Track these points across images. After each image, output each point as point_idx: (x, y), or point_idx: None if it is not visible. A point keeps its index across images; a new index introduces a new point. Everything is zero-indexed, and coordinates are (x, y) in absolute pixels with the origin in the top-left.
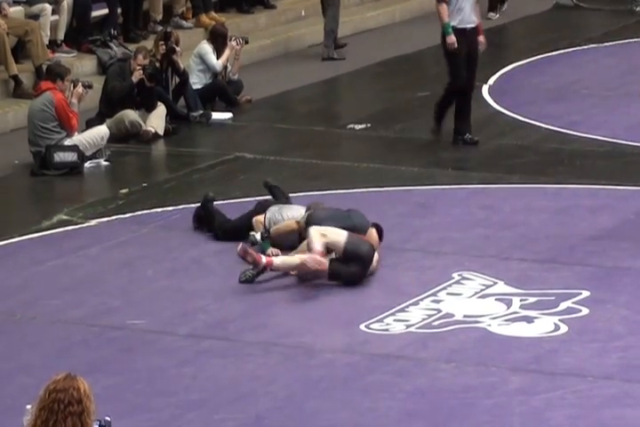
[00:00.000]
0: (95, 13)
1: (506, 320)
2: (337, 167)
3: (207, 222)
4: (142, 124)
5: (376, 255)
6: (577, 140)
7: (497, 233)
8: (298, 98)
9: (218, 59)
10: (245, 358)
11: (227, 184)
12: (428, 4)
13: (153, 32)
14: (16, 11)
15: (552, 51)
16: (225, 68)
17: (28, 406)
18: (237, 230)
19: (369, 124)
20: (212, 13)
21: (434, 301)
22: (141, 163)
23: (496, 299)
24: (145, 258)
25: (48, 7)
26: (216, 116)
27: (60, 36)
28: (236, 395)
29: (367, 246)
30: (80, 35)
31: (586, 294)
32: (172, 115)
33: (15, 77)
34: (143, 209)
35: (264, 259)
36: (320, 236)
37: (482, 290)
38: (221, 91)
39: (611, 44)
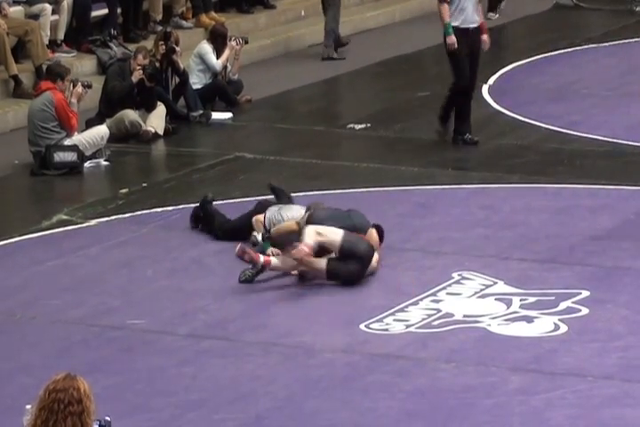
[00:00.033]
0: (95, 13)
1: (506, 320)
2: (337, 167)
3: (206, 223)
4: (142, 124)
5: (376, 255)
6: (577, 140)
7: (497, 233)
8: (298, 98)
9: (218, 59)
10: (245, 358)
11: (226, 184)
12: (427, 4)
13: (153, 32)
14: (16, 11)
15: (552, 51)
16: (225, 67)
17: (28, 406)
18: (237, 230)
19: (369, 124)
20: (212, 13)
21: (434, 300)
22: (141, 163)
23: (496, 299)
24: (145, 258)
25: (48, 7)
26: (216, 115)
27: (60, 35)
28: (236, 395)
29: (364, 244)
30: (80, 35)
31: (586, 293)
32: (171, 115)
33: (15, 77)
34: (143, 209)
35: (262, 258)
36: (315, 234)
37: (482, 290)
38: (221, 91)
39: (610, 43)
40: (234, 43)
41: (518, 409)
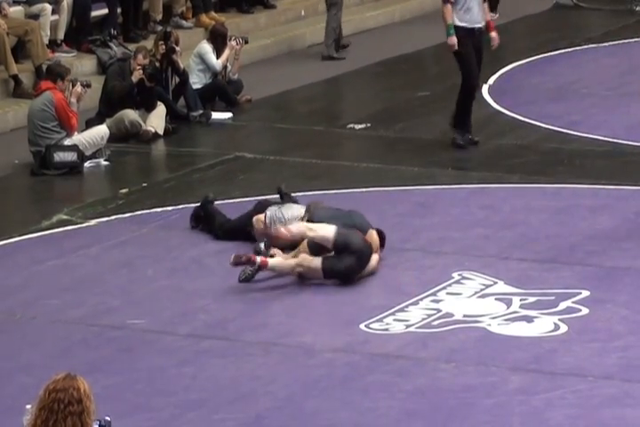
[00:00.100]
0: (95, 13)
1: (506, 320)
2: (337, 167)
3: (207, 223)
4: (142, 123)
5: (376, 256)
6: (577, 139)
7: (497, 233)
8: (298, 98)
9: (218, 58)
10: (245, 358)
11: (226, 184)
12: (427, 4)
13: (153, 32)
14: (16, 10)
15: (552, 50)
16: (225, 67)
17: (28, 406)
18: (237, 230)
19: (369, 124)
20: (212, 13)
21: (434, 300)
22: (141, 163)
23: (496, 298)
24: (145, 258)
25: (48, 7)
26: (216, 115)
27: (60, 35)
28: (236, 395)
29: (359, 238)
30: (80, 34)
31: (586, 293)
32: (171, 114)
33: (15, 77)
34: (143, 209)
35: (259, 259)
36: (306, 228)
37: (482, 290)
38: (221, 90)
39: (610, 43)
40: (234, 42)
41: (518, 409)
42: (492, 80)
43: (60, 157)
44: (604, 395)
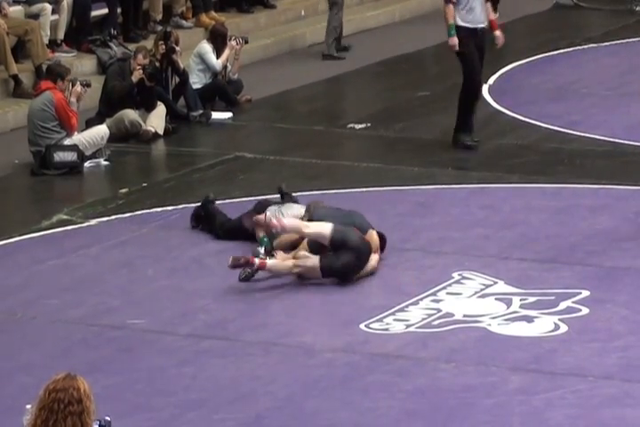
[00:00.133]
0: (95, 13)
1: (506, 320)
2: (337, 167)
3: (207, 223)
4: (142, 123)
5: (375, 256)
6: (577, 139)
7: (497, 233)
8: (298, 97)
9: (218, 58)
10: (245, 358)
11: (227, 184)
12: (428, 4)
13: (153, 32)
14: (16, 10)
15: (552, 50)
16: (225, 67)
17: (28, 406)
18: (238, 230)
19: (369, 124)
20: (212, 13)
21: (434, 300)
22: (141, 162)
23: (496, 298)
24: (145, 258)
25: (48, 7)
26: (216, 115)
27: (60, 35)
28: (236, 395)
29: (356, 236)
30: (80, 34)
31: (586, 293)
32: (171, 114)
33: (15, 77)
34: (143, 209)
35: (257, 260)
36: (303, 226)
37: (482, 289)
38: (221, 90)
39: (610, 43)
40: (234, 42)
41: (518, 409)
42: (492, 80)
43: (60, 156)
44: (604, 395)
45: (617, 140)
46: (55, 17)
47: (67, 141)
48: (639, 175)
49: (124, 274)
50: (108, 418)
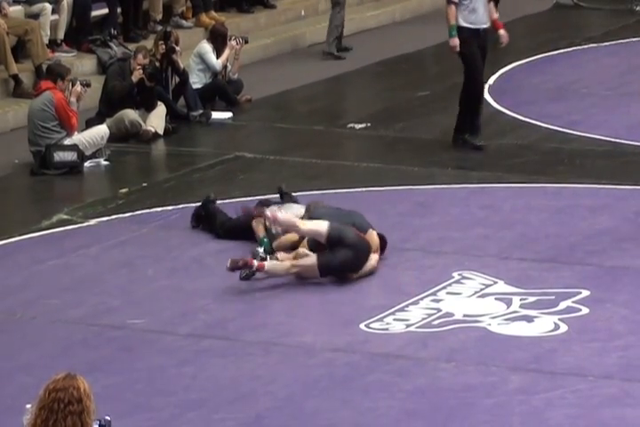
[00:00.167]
0: (95, 13)
1: (506, 320)
2: (337, 167)
3: (208, 222)
4: (142, 123)
5: (375, 256)
6: (577, 139)
7: (497, 232)
8: (298, 97)
9: (218, 58)
10: (245, 358)
11: (227, 184)
12: (428, 4)
13: (153, 32)
14: (16, 10)
15: (552, 50)
16: (225, 67)
17: (28, 406)
18: (238, 229)
19: (369, 124)
20: (212, 13)
21: (434, 300)
22: (141, 162)
23: (496, 298)
24: (145, 257)
25: (48, 7)
26: (216, 115)
27: (60, 35)
28: (236, 394)
29: (353, 234)
30: (80, 34)
31: (586, 293)
32: (171, 114)
33: (15, 77)
34: (143, 208)
35: (256, 262)
36: (299, 222)
37: (482, 289)
38: (221, 90)
39: (610, 43)
40: (234, 42)
41: (518, 409)
42: (492, 80)
43: (60, 156)
44: (604, 395)
45: (617, 140)
46: (55, 17)
47: (67, 141)
48: (639, 175)
49: (124, 274)
50: (107, 418)
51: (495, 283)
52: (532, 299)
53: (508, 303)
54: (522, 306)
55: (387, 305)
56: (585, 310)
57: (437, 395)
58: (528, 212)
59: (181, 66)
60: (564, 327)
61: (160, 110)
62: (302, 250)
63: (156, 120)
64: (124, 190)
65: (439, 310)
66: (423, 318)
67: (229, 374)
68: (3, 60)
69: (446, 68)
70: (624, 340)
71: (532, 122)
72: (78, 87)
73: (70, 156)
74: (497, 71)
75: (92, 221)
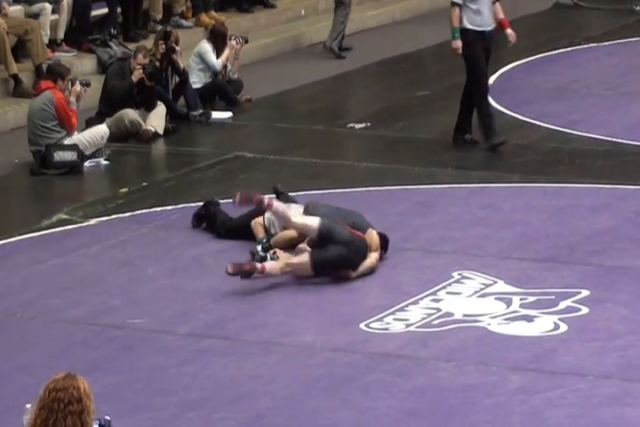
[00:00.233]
0: (95, 13)
1: (506, 319)
2: (337, 166)
3: (209, 222)
4: (142, 123)
5: (375, 254)
6: (577, 139)
7: (497, 232)
8: (298, 97)
9: (218, 58)
10: (245, 358)
11: (226, 183)
12: (427, 4)
13: (153, 31)
14: (16, 10)
15: (552, 50)
16: (225, 67)
17: (28, 406)
18: (239, 229)
19: (369, 124)
20: (212, 13)
21: (434, 300)
22: (141, 162)
23: (496, 298)
24: (145, 257)
25: (48, 6)
26: (216, 115)
27: (60, 35)
28: (236, 394)
29: (345, 229)
30: (80, 34)
31: (585, 293)
32: (171, 114)
33: (15, 77)
34: (143, 208)
35: (258, 265)
36: (292, 216)
37: (482, 289)
38: (221, 90)
39: (610, 43)
40: (234, 42)
41: (518, 408)
42: (492, 80)
43: (59, 156)
44: (603, 394)
45: (617, 140)
46: (55, 16)
47: (67, 141)
48: (639, 175)
49: (124, 273)
50: (107, 417)
51: (495, 283)
52: (531, 299)
53: (508, 303)
54: (522, 306)
55: (387, 305)
56: (585, 310)
57: (437, 395)
58: (528, 212)
59: (181, 66)
60: (563, 327)
61: (160, 110)
62: (302, 246)
63: (156, 120)
64: (124, 190)
65: (439, 310)
66: (423, 318)
67: (229, 374)
68: (3, 60)
69: (446, 68)
70: (624, 340)
71: (531, 122)
72: (78, 87)
73: (70, 155)
74: (497, 71)
75: (92, 221)
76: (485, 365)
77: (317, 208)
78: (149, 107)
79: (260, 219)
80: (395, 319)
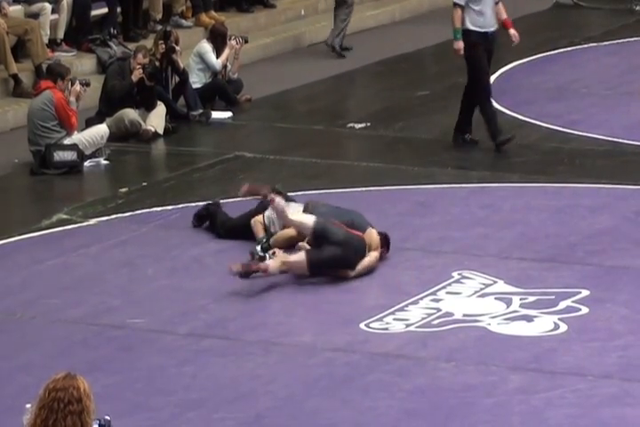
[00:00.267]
0: (95, 12)
1: (505, 319)
2: (337, 166)
3: (209, 222)
4: (142, 123)
5: (374, 253)
6: (577, 139)
7: (497, 232)
8: (297, 97)
9: (217, 58)
10: (245, 357)
11: (226, 183)
12: (427, 4)
13: (153, 31)
14: (16, 10)
15: (552, 50)
16: (225, 67)
17: (28, 405)
18: (239, 229)
19: (369, 123)
20: (212, 12)
21: (433, 300)
22: (141, 162)
23: (496, 298)
24: (145, 257)
25: (48, 6)
26: (216, 115)
27: (60, 35)
28: (236, 394)
29: (340, 229)
30: (80, 34)
31: (585, 293)
32: (171, 114)
33: (15, 76)
34: (143, 208)
35: (262, 264)
36: (289, 212)
37: (481, 289)
38: (221, 90)
39: (610, 42)
40: (234, 42)
41: (518, 408)
42: (492, 80)
43: (59, 156)
44: (603, 394)
45: (617, 140)
46: (55, 16)
47: (66, 141)
48: (639, 175)
49: (124, 273)
50: (107, 417)
51: (495, 282)
52: (531, 298)
53: (508, 303)
54: (522, 306)
55: (386, 305)
56: (585, 310)
57: (437, 395)
58: (528, 212)
59: (181, 65)
60: (563, 327)
61: (160, 110)
62: (302, 244)
63: (156, 120)
64: (123, 190)
65: (439, 310)
66: (423, 318)
67: (229, 374)
68: (2, 60)
69: (446, 68)
70: (624, 340)
71: (531, 121)
72: (78, 87)
73: (70, 155)
74: (497, 70)
75: (92, 221)
76: (485, 365)
77: (317, 207)
78: (149, 107)
79: (259, 217)
80: (395, 319)
